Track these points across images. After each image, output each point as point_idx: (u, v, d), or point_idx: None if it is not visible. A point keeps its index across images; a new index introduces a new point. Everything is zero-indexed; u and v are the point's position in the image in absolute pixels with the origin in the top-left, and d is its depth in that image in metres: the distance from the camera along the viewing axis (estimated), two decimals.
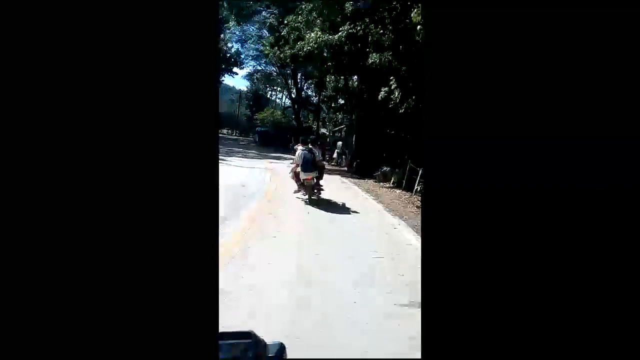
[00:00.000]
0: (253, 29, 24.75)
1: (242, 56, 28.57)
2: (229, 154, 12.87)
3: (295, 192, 5.96)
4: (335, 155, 15.18)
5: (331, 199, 6.15)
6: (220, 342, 0.60)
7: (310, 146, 5.77)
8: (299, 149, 5.88)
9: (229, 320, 1.87)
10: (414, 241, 4.16)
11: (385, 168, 9.62)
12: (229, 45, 27.16)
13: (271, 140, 20.39)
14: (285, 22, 12.77)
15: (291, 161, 6.63)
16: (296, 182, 5.87)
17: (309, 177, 5.68)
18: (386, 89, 7.91)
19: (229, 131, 33.73)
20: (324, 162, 6.49)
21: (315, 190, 5.89)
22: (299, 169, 5.67)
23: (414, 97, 7.34)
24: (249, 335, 0.61)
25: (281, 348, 0.67)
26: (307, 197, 5.80)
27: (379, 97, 8.21)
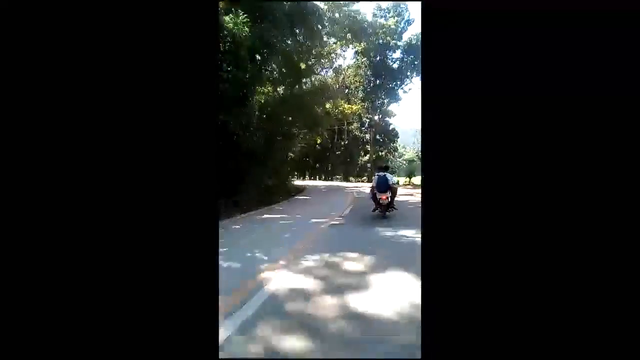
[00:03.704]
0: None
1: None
2: None
3: (374, 210, 7.55)
4: None
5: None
6: None
7: (383, 172, 7.38)
8: (376, 174, 7.57)
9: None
10: None
11: None
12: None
13: None
14: None
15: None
16: (374, 201, 7.49)
17: (384, 196, 7.21)
18: None
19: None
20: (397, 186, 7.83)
21: (390, 209, 7.30)
22: (376, 191, 7.32)
23: None
24: None
25: None
26: (381, 213, 7.29)
27: None
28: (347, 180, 28.50)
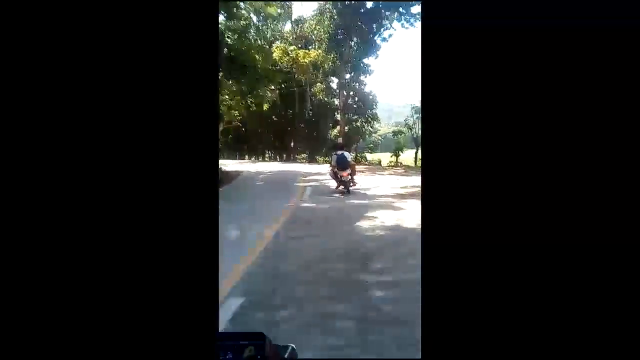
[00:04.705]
0: None
1: None
2: None
3: (336, 188, 7.92)
4: None
5: None
6: (231, 342, 0.62)
7: (341, 151, 7.73)
8: (334, 154, 7.88)
9: None
10: None
11: None
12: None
13: None
14: None
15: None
16: (335, 179, 7.86)
17: (345, 173, 7.58)
18: None
19: None
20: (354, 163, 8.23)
21: (351, 184, 7.71)
22: (336, 169, 7.66)
23: None
24: (260, 336, 0.64)
25: (292, 351, 0.70)
26: (345, 189, 7.69)
27: None
28: (314, 161, 21.39)
